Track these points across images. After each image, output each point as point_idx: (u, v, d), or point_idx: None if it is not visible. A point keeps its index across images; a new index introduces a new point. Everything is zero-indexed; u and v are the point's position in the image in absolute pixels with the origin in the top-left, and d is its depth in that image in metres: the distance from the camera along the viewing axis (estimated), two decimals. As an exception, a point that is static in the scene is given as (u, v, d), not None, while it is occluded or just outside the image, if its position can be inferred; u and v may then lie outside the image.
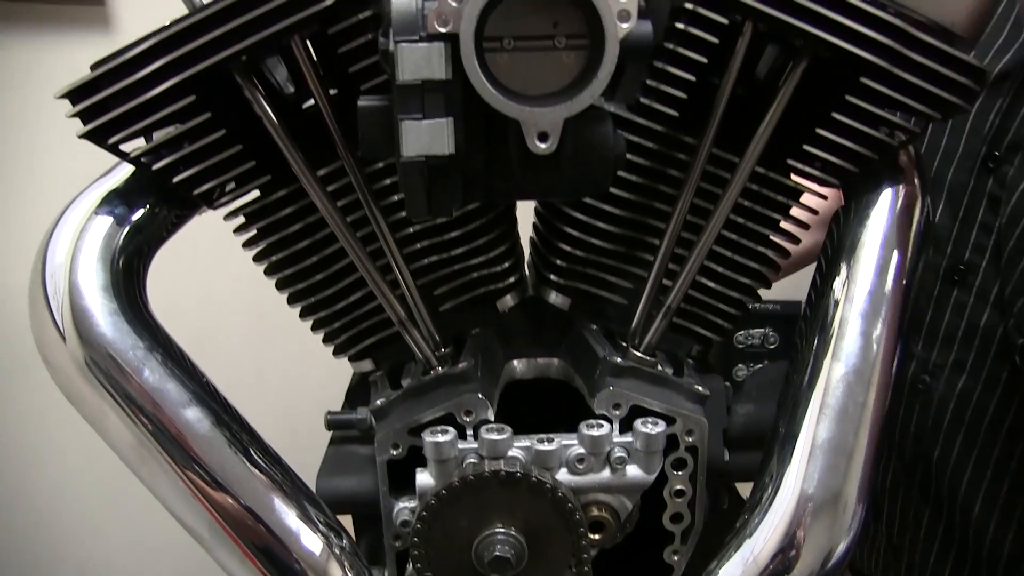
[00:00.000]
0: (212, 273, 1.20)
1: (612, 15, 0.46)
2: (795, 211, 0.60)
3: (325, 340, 0.63)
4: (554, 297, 0.63)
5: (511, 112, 0.47)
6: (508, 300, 0.63)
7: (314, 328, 0.63)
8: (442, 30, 0.46)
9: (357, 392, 0.66)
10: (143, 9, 1.23)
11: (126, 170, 0.59)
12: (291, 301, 0.62)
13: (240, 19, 0.51)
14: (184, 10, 0.55)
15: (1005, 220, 0.73)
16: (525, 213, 0.64)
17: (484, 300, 0.62)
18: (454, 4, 0.45)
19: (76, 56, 1.10)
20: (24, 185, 1.11)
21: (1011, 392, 0.74)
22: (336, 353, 0.64)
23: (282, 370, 1.38)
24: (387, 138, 0.52)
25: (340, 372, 0.69)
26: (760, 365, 0.73)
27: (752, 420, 0.61)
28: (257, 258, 0.61)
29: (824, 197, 0.63)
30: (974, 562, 0.79)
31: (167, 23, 0.53)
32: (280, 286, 0.61)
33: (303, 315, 0.62)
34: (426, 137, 0.47)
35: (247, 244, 0.61)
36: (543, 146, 0.47)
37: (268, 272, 0.61)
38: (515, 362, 0.62)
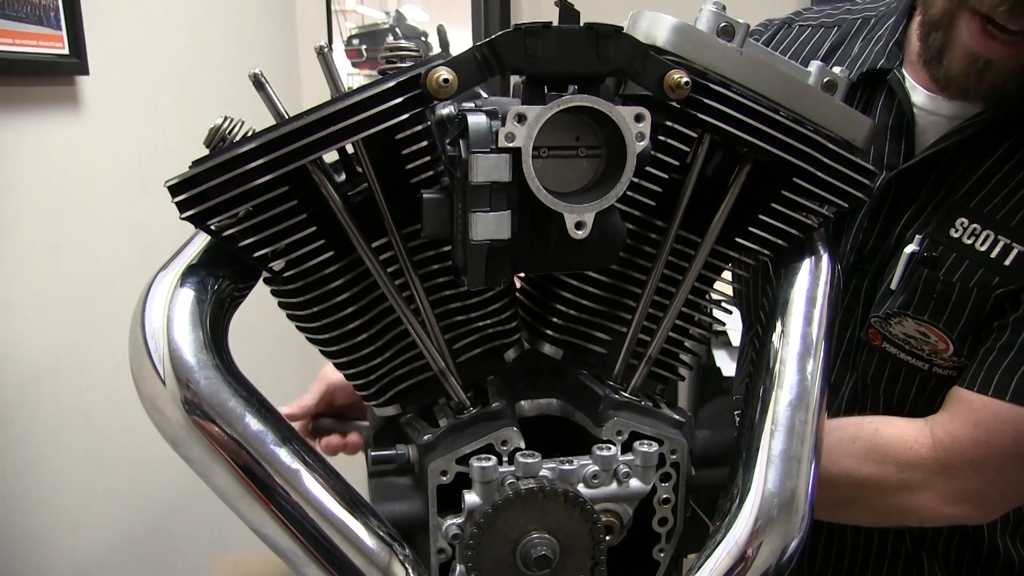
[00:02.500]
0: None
1: (632, 137, 0.66)
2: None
3: (358, 389, 0.79)
4: (548, 349, 0.82)
5: (558, 207, 0.66)
6: (511, 352, 0.82)
7: (349, 378, 0.78)
8: (508, 144, 0.65)
9: (384, 433, 0.82)
10: (113, 90, 1.34)
11: (197, 246, 0.74)
12: (331, 357, 0.77)
13: (329, 128, 0.67)
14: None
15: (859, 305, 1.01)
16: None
17: (494, 352, 0.80)
18: (518, 125, 0.65)
19: (47, 136, 1.19)
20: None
21: None
22: (367, 400, 0.80)
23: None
24: (446, 221, 0.70)
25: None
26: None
27: (709, 442, 0.82)
28: (300, 324, 0.76)
29: None
30: None
31: (259, 131, 0.68)
32: (321, 344, 0.77)
33: (340, 368, 0.78)
34: (492, 225, 0.65)
35: (291, 311, 0.76)
36: (580, 233, 0.67)
37: (309, 333, 0.77)
38: (522, 402, 0.81)
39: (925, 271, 0.93)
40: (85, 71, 1.26)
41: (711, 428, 0.83)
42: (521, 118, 0.64)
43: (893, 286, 0.96)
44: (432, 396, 0.79)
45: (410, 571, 0.70)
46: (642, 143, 0.66)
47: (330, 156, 0.74)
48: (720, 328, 0.85)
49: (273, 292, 0.77)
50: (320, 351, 0.78)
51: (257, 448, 0.67)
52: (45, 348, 1.25)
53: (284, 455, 0.68)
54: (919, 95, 0.97)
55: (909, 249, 0.95)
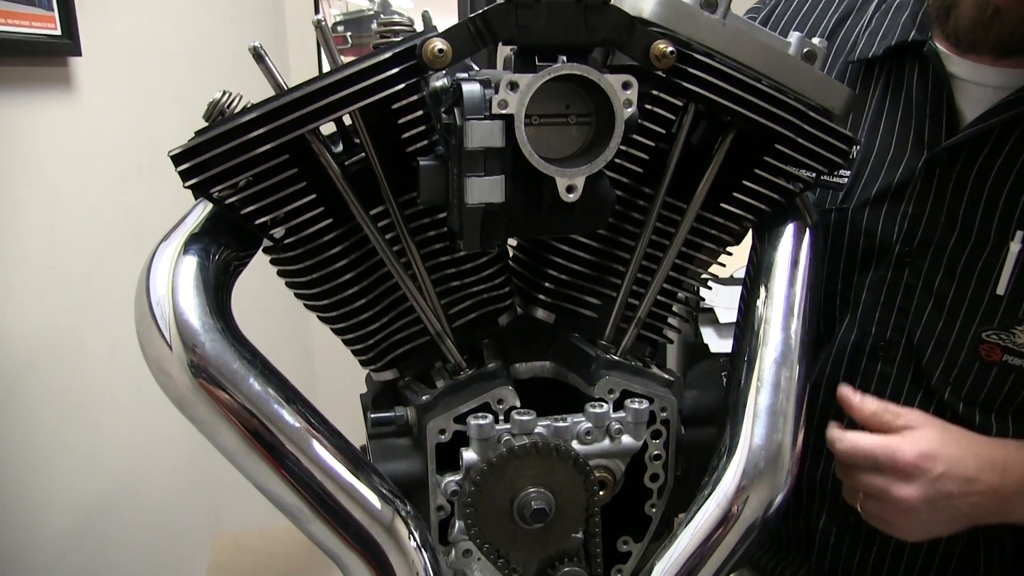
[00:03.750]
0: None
1: (620, 103, 0.70)
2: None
3: (357, 353, 0.83)
4: (541, 313, 0.85)
5: (549, 171, 0.70)
6: (505, 317, 0.86)
7: (348, 344, 0.82)
8: (501, 111, 0.68)
9: (383, 397, 0.86)
10: (106, 72, 1.37)
11: (199, 214, 0.77)
12: (330, 322, 0.81)
13: (327, 99, 0.71)
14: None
15: (916, 305, 0.94)
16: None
17: (489, 317, 0.84)
18: (511, 93, 0.68)
19: (40, 117, 1.22)
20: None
21: None
22: (365, 365, 0.83)
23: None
24: (442, 188, 0.74)
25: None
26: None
27: (698, 402, 0.86)
28: (300, 291, 0.80)
29: None
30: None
31: (260, 102, 0.72)
32: (320, 310, 0.80)
33: (339, 333, 0.82)
34: (486, 190, 0.69)
35: (291, 278, 0.80)
36: (572, 196, 0.71)
37: (308, 300, 0.80)
38: (517, 365, 0.85)
39: None
40: (78, 52, 1.29)
41: (699, 388, 0.88)
42: (514, 86, 0.68)
43: (1000, 291, 0.89)
44: (429, 360, 0.83)
45: (411, 527, 0.74)
46: (629, 109, 0.70)
47: (328, 128, 0.79)
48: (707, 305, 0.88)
49: (272, 261, 0.81)
50: (319, 317, 0.82)
51: (261, 408, 0.71)
52: (40, 328, 1.28)
53: (288, 415, 0.71)
54: (957, 65, 0.91)
55: (1016, 247, 0.88)
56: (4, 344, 1.21)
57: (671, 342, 0.89)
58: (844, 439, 0.84)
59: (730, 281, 1.07)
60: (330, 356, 1.00)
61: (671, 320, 0.87)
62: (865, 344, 0.98)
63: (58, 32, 1.25)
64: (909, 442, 0.82)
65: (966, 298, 0.91)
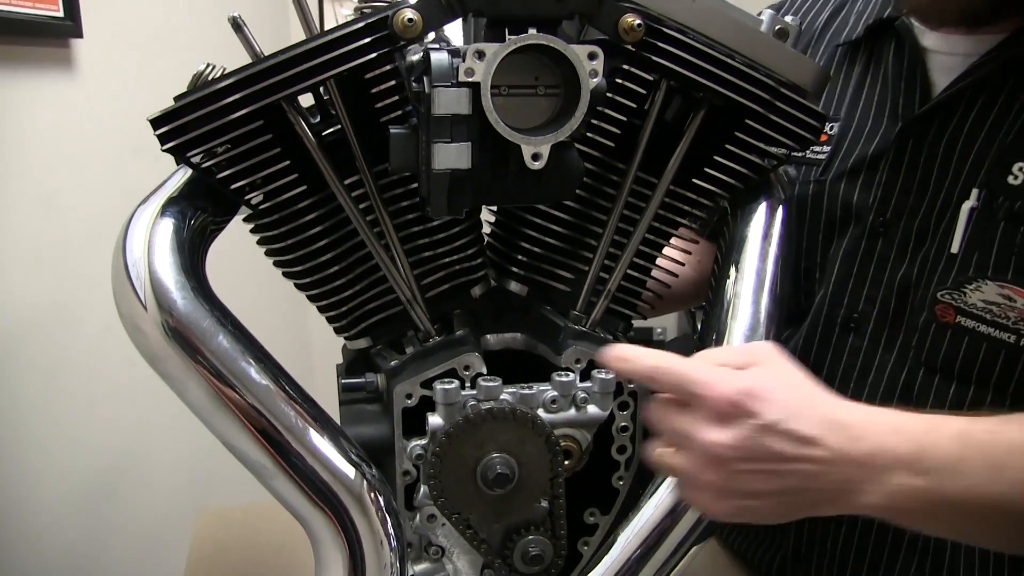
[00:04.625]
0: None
1: (586, 74, 0.72)
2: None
3: (331, 321, 0.85)
4: (514, 286, 0.87)
5: (515, 139, 0.72)
6: (478, 289, 0.88)
7: (322, 311, 0.85)
8: (467, 79, 0.71)
9: (356, 364, 0.88)
10: (106, 53, 1.42)
11: (178, 180, 0.80)
12: (304, 289, 0.84)
13: (300, 66, 0.74)
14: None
15: (888, 275, 0.94)
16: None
17: (461, 288, 0.86)
18: (477, 61, 0.71)
19: (41, 95, 1.27)
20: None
21: None
22: (339, 332, 0.86)
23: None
24: (412, 156, 0.76)
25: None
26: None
27: (669, 378, 0.88)
28: (276, 257, 0.83)
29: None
30: None
31: (234, 69, 0.75)
32: (296, 277, 0.83)
33: (313, 301, 0.84)
34: (452, 156, 0.72)
35: (268, 245, 0.82)
36: (537, 164, 0.73)
37: (284, 267, 0.83)
38: (488, 336, 0.87)
39: (1002, 225, 0.86)
40: (79, 34, 1.33)
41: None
42: (480, 54, 0.70)
43: (955, 249, 0.89)
44: (401, 329, 0.85)
45: (376, 489, 0.76)
46: (595, 80, 0.72)
47: (307, 101, 0.82)
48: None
49: (252, 230, 0.84)
50: (295, 285, 0.85)
51: (229, 365, 0.73)
52: (34, 302, 1.32)
53: (255, 373, 0.74)
54: (929, 38, 0.95)
55: (968, 205, 0.88)
56: (1, 314, 1.25)
57: (644, 318, 0.91)
58: (650, 353, 0.70)
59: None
60: (328, 349, 1.02)
61: (643, 295, 0.89)
62: (837, 316, 0.99)
63: (60, 13, 1.29)
64: (736, 376, 0.68)
65: (928, 261, 0.92)
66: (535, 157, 0.73)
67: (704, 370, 0.68)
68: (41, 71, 1.29)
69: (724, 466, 0.67)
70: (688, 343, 0.90)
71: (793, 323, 1.05)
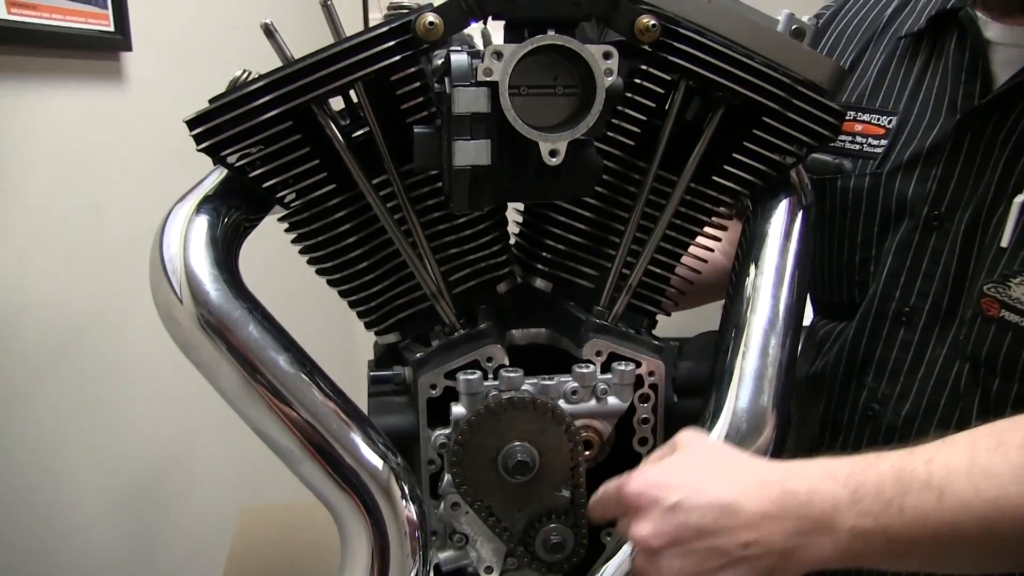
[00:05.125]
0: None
1: (601, 72, 0.75)
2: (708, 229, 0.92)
3: (361, 316, 0.89)
4: (539, 283, 0.90)
5: (532, 136, 0.75)
6: (503, 286, 0.91)
7: (352, 306, 0.88)
8: (486, 79, 0.74)
9: (385, 359, 0.92)
10: (156, 67, 1.49)
11: (213, 180, 0.85)
12: (335, 285, 0.87)
13: (327, 69, 0.78)
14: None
15: (942, 269, 0.94)
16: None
17: (487, 285, 0.90)
18: (495, 61, 0.74)
19: (92, 105, 1.34)
20: (11, 236, 1.31)
21: (947, 421, 0.94)
22: (369, 327, 0.90)
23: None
24: (435, 154, 0.80)
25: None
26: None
27: (692, 373, 0.90)
28: (309, 255, 0.87)
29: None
30: None
31: (266, 73, 0.79)
32: (327, 273, 0.87)
33: (344, 296, 0.88)
34: (472, 152, 0.75)
35: (301, 243, 0.86)
36: (554, 160, 0.76)
37: (317, 264, 0.87)
38: (513, 331, 0.90)
39: None
40: (128, 47, 1.41)
41: (695, 360, 0.92)
42: (498, 55, 0.74)
43: (1004, 243, 0.89)
44: (428, 324, 0.89)
45: (401, 477, 0.79)
46: (610, 78, 0.75)
47: (338, 105, 0.86)
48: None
49: (286, 229, 0.88)
50: (327, 281, 0.88)
51: (259, 354, 0.77)
52: (84, 304, 1.39)
53: (284, 361, 0.78)
54: (993, 29, 0.94)
55: (1020, 199, 0.88)
56: (51, 315, 1.32)
57: (667, 315, 0.94)
58: (595, 493, 0.79)
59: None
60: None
61: (667, 292, 0.91)
62: (888, 310, 0.99)
63: (111, 28, 1.37)
64: (641, 472, 0.74)
65: (979, 255, 0.92)
66: (552, 154, 0.75)
67: (619, 481, 0.74)
68: (93, 83, 1.37)
69: (658, 556, 0.70)
70: (704, 342, 0.91)
71: (845, 316, 1.05)
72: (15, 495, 1.27)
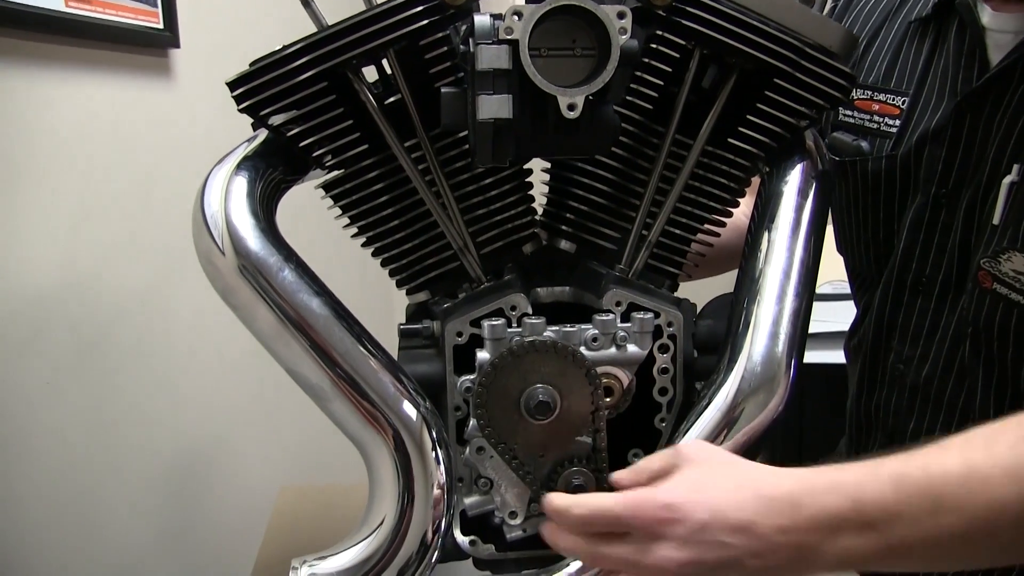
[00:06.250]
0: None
1: (616, 31, 0.81)
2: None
3: (392, 274, 0.95)
4: (564, 244, 0.96)
5: (551, 90, 0.81)
6: (529, 247, 0.97)
7: (384, 264, 0.94)
8: (507, 37, 0.80)
9: (415, 317, 0.97)
10: (202, 64, 1.59)
11: (254, 143, 0.92)
12: (369, 244, 0.94)
13: (358, 33, 0.85)
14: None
15: (950, 244, 1.02)
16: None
17: (513, 246, 0.95)
18: (516, 21, 0.81)
19: (141, 97, 1.43)
20: (57, 219, 1.39)
21: (961, 378, 1.03)
22: (400, 285, 0.96)
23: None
24: (461, 113, 0.86)
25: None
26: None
27: (711, 330, 0.94)
28: (345, 215, 0.93)
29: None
30: None
31: (303, 37, 0.86)
32: (362, 232, 0.93)
33: (377, 254, 0.94)
34: (495, 106, 0.81)
35: (337, 201, 0.93)
36: (572, 114, 0.82)
37: (353, 224, 0.93)
38: (538, 289, 0.95)
39: None
40: (176, 44, 1.51)
41: (715, 318, 0.96)
42: (519, 15, 0.80)
43: (996, 221, 0.96)
44: (457, 283, 0.94)
45: (428, 420, 0.84)
46: (624, 36, 0.81)
47: (372, 76, 0.93)
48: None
49: (324, 194, 0.94)
50: (362, 243, 0.94)
51: (293, 296, 0.83)
52: (131, 288, 1.47)
53: (317, 305, 0.84)
54: (987, 16, 1.01)
55: (1008, 180, 0.95)
56: (97, 295, 1.40)
57: (689, 277, 0.98)
58: (579, 503, 0.75)
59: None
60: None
61: (687, 251, 0.96)
62: (906, 279, 1.08)
63: (160, 25, 1.47)
64: (657, 491, 0.73)
65: (978, 231, 0.99)
66: (571, 107, 0.81)
67: (627, 500, 0.73)
68: (143, 76, 1.46)
69: None
70: (724, 302, 0.96)
71: (871, 286, 1.15)
72: (61, 468, 1.35)
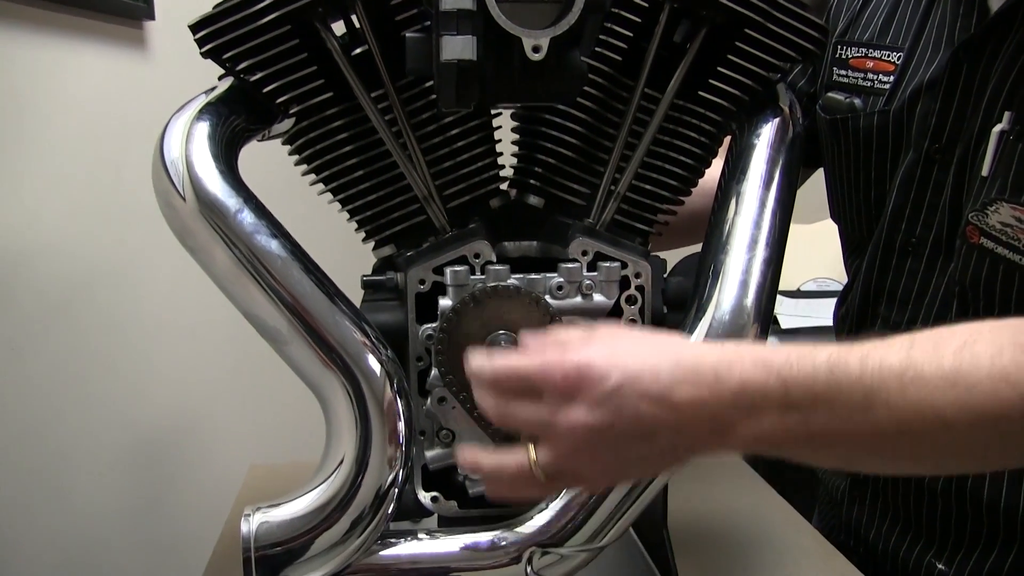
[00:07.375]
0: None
1: (582, -29, 0.82)
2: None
3: (360, 226, 0.95)
4: (532, 199, 0.96)
5: (516, 32, 0.81)
6: (496, 201, 0.97)
7: (351, 215, 0.94)
8: (471, -24, 0.81)
9: (381, 270, 0.97)
10: (177, 37, 1.60)
11: (217, 90, 0.92)
12: (335, 194, 0.94)
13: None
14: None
15: (942, 201, 1.02)
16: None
17: (479, 200, 0.95)
18: (480, -40, 0.81)
19: (114, 67, 1.44)
20: (26, 182, 1.40)
21: None
22: (366, 239, 0.96)
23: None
24: (426, 58, 0.86)
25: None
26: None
27: (681, 286, 0.94)
28: (308, 165, 0.93)
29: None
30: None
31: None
32: (327, 183, 0.93)
33: (343, 205, 0.94)
34: (458, 47, 0.81)
35: (301, 154, 0.93)
36: (537, 56, 0.82)
37: (318, 174, 0.93)
38: (505, 244, 0.95)
39: (1020, 147, 0.91)
40: (151, 16, 1.52)
41: (685, 275, 0.96)
42: (485, -44, 0.81)
43: (985, 172, 0.95)
44: (423, 237, 0.94)
45: (388, 368, 0.84)
46: (589, -20, 0.82)
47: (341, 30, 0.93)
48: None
49: (291, 146, 0.94)
50: (328, 192, 0.95)
51: (251, 238, 0.83)
52: (101, 255, 1.47)
53: (276, 246, 0.83)
54: None
55: (998, 128, 0.93)
56: (63, 264, 1.40)
57: (659, 235, 0.98)
58: (494, 362, 0.71)
59: (797, 294, 1.13)
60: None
61: (657, 205, 0.96)
62: (895, 241, 1.07)
63: (134, -6, 1.48)
64: (572, 353, 0.69)
65: (968, 185, 0.98)
66: (535, 49, 0.82)
67: (541, 359, 0.69)
68: (117, 46, 1.48)
69: (590, 441, 0.68)
70: (695, 260, 0.96)
71: (860, 249, 1.14)
72: (23, 435, 1.35)
